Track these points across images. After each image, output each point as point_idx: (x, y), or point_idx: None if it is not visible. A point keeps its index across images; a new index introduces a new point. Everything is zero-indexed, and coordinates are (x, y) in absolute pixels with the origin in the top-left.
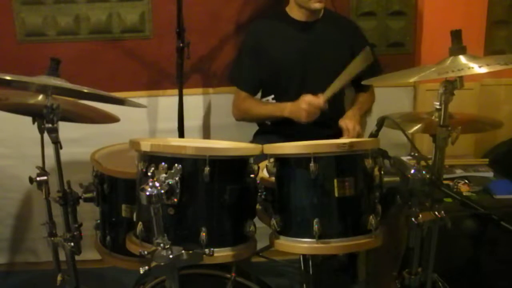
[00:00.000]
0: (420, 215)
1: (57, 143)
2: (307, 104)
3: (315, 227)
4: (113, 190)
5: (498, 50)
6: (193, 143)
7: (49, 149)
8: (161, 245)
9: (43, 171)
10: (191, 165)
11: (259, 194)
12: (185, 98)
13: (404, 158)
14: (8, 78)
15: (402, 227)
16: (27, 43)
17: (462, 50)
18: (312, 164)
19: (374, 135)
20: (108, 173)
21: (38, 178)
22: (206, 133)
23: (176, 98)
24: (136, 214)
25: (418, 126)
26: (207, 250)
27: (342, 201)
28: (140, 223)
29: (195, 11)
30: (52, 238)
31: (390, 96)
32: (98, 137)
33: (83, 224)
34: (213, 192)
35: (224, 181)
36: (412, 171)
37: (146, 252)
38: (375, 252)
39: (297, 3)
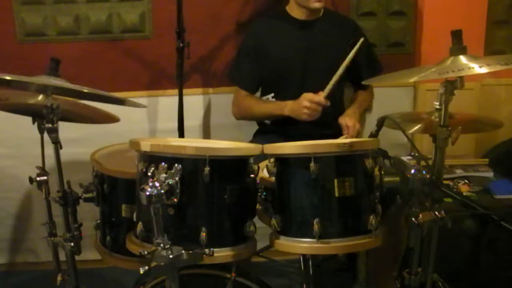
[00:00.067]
0: (420, 215)
1: (57, 143)
2: (308, 102)
3: (315, 227)
4: (113, 190)
5: (498, 50)
6: (193, 143)
7: (49, 149)
8: (161, 245)
9: (43, 171)
10: (191, 165)
11: (259, 194)
12: (185, 98)
13: (404, 158)
14: (8, 78)
15: (402, 227)
16: (27, 43)
17: (462, 50)
18: (312, 164)
19: (374, 135)
20: (108, 173)
21: (38, 178)
22: (206, 133)
23: (176, 98)
24: (136, 214)
25: (418, 126)
26: (207, 250)
27: (342, 201)
28: (140, 223)
29: (195, 11)
30: (52, 238)
31: (390, 96)
32: (98, 137)
33: (83, 224)
34: (213, 192)
35: (224, 181)
36: (412, 171)
37: (146, 252)
38: (375, 252)
39: (297, 2)
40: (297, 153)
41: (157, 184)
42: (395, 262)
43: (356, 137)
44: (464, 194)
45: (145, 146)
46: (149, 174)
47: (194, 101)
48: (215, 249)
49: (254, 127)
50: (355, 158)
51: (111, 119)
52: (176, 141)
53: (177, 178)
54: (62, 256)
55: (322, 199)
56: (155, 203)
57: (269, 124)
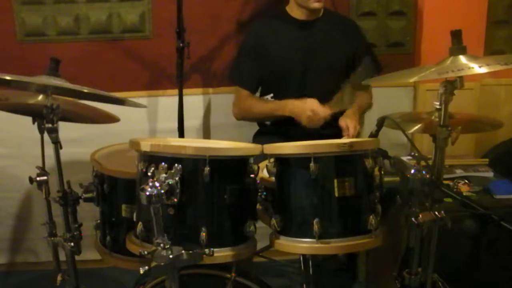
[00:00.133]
0: (420, 215)
1: (57, 143)
2: (312, 112)
3: (315, 227)
4: (113, 190)
5: (498, 50)
6: (193, 143)
7: (49, 149)
8: (161, 245)
9: (43, 171)
10: (191, 165)
11: (259, 194)
12: (185, 98)
13: (404, 158)
14: (8, 78)
15: (402, 227)
16: (27, 43)
17: (462, 50)
18: (312, 164)
19: (374, 135)
20: (108, 173)
21: (38, 178)
22: (206, 133)
23: (176, 98)
24: (136, 214)
25: (418, 126)
26: (207, 250)
27: (342, 201)
28: (140, 223)
29: (195, 11)
30: (52, 238)
31: (390, 96)
32: (98, 137)
33: (83, 224)
34: (213, 192)
35: (224, 181)
36: (412, 171)
37: (146, 252)
38: (375, 252)
39: (297, 2)
40: (297, 153)
41: (157, 184)
42: (395, 262)
43: (356, 138)
44: (464, 194)
45: (145, 146)
46: (149, 174)
47: (194, 101)
48: (215, 249)
49: (254, 127)
50: (355, 158)
51: (111, 119)
52: (176, 141)
53: (177, 178)
54: (62, 256)
55: (322, 199)
56: (155, 203)
57: (269, 125)
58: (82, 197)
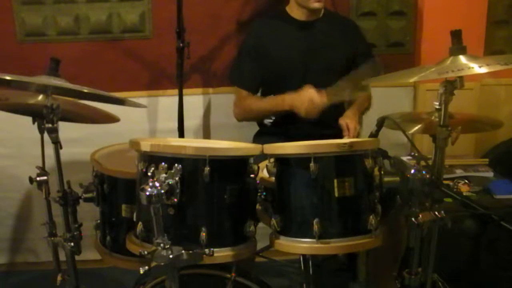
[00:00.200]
0: (420, 215)
1: (57, 143)
2: (310, 102)
3: (315, 227)
4: (113, 190)
5: (498, 50)
6: (193, 143)
7: (49, 149)
8: (161, 245)
9: (43, 171)
10: (191, 165)
11: (259, 194)
12: (185, 98)
13: (404, 158)
14: (8, 78)
15: (402, 227)
16: (27, 43)
17: (462, 50)
18: (312, 164)
19: (374, 135)
20: (108, 173)
21: (38, 178)
22: (206, 133)
23: (176, 98)
24: (136, 214)
25: (418, 126)
26: (207, 250)
27: (342, 201)
28: (140, 223)
29: (195, 11)
30: (52, 238)
31: (390, 96)
32: (98, 137)
33: (83, 224)
34: (213, 192)
35: (224, 181)
36: (412, 171)
37: (146, 252)
38: (375, 252)
39: (297, 3)
40: (297, 153)
41: (157, 184)
42: (395, 262)
43: (356, 138)
44: (464, 194)
45: (145, 146)
46: (149, 174)
47: (194, 101)
48: (215, 249)
49: (254, 127)
50: (355, 158)
51: (111, 119)
52: (176, 141)
53: (177, 178)
54: (62, 256)
55: (322, 199)
56: (155, 203)
57: (269, 126)
58: (82, 197)
